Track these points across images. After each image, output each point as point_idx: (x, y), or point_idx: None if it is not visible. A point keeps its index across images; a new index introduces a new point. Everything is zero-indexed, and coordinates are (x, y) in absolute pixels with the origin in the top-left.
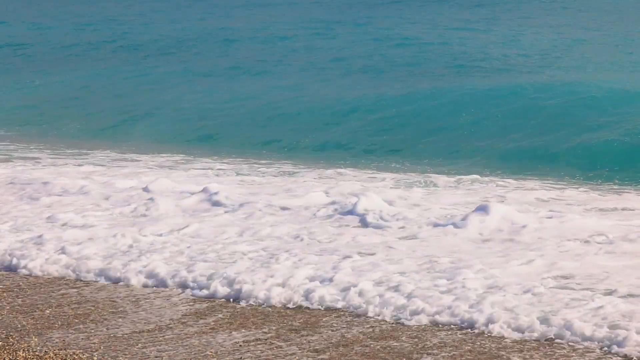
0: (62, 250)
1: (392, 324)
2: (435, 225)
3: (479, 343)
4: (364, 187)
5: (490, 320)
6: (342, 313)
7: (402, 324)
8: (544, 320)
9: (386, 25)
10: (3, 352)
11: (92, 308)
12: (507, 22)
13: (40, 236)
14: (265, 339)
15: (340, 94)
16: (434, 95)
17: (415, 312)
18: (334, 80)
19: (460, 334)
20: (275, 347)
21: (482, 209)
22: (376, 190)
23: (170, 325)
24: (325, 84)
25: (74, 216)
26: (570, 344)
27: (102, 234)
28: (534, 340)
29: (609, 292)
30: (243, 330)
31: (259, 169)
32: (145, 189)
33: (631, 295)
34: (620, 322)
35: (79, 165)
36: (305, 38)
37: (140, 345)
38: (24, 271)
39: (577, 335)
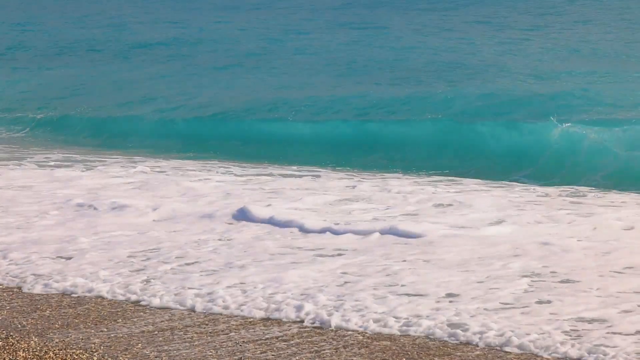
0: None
1: (385, 328)
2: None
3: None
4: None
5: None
6: (339, 317)
7: (394, 330)
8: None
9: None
10: (3, 352)
11: (92, 308)
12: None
13: None
14: (266, 340)
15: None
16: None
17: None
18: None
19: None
20: (276, 348)
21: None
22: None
23: (170, 326)
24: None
25: None
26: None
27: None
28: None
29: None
30: (243, 331)
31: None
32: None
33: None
34: None
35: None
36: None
37: (140, 345)
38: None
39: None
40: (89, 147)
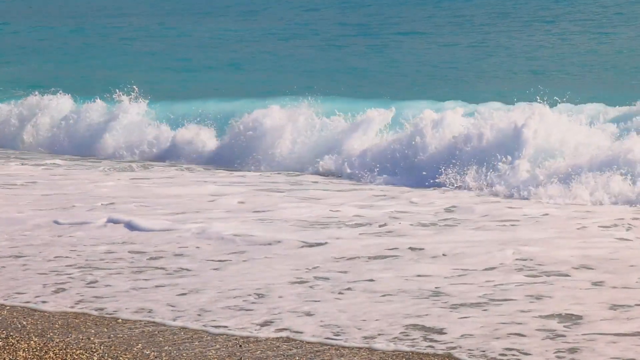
0: None
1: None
2: None
3: None
4: None
5: None
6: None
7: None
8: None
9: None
10: (3, 352)
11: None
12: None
13: None
14: (266, 340)
15: None
16: None
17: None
18: None
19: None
20: (275, 347)
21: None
22: None
23: (170, 326)
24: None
25: None
26: None
27: None
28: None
29: None
30: (243, 332)
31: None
32: None
33: None
34: None
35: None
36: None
37: (140, 345)
38: None
39: None
40: None
